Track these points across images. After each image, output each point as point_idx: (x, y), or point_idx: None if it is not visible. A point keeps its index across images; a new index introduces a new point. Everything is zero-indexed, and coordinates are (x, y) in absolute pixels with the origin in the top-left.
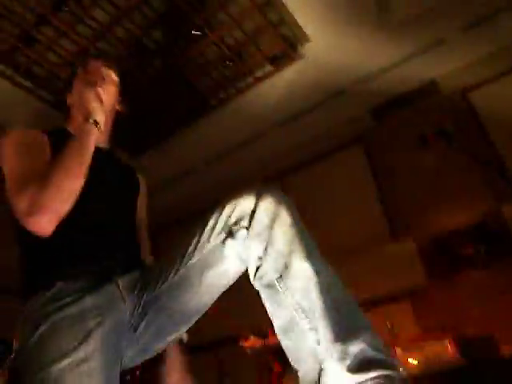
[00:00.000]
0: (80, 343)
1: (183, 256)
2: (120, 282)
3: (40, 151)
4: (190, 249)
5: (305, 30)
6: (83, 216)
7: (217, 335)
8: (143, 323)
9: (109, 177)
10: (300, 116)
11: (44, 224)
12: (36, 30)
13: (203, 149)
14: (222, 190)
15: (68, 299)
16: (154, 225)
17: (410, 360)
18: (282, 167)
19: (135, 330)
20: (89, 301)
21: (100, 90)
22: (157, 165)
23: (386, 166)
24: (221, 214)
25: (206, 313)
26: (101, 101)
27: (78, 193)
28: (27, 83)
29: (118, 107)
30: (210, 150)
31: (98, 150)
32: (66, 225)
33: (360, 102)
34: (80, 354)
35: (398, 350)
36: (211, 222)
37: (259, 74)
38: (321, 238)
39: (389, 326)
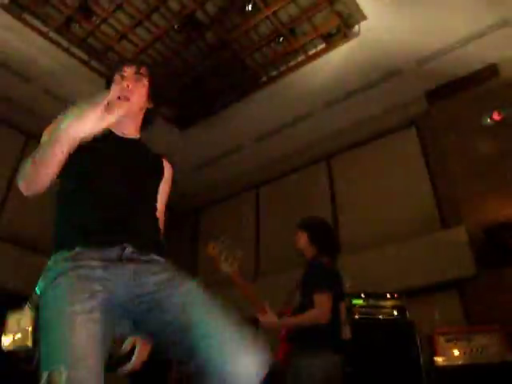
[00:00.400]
0: (88, 298)
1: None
2: (130, 264)
3: None
4: None
5: (362, 7)
6: (103, 196)
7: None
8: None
9: (130, 162)
10: (351, 96)
11: (23, 191)
12: (93, 1)
13: (252, 126)
14: (267, 169)
15: (82, 263)
16: (196, 202)
17: (455, 351)
18: (329, 148)
19: (129, 311)
20: (99, 272)
21: (125, 89)
22: (203, 140)
23: (439, 151)
24: None
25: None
26: (125, 99)
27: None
28: (83, 55)
29: (148, 105)
30: (259, 127)
31: (123, 139)
32: (89, 202)
33: (416, 83)
34: (87, 305)
35: (443, 340)
36: None
37: (312, 51)
38: (369, 224)
39: (435, 315)
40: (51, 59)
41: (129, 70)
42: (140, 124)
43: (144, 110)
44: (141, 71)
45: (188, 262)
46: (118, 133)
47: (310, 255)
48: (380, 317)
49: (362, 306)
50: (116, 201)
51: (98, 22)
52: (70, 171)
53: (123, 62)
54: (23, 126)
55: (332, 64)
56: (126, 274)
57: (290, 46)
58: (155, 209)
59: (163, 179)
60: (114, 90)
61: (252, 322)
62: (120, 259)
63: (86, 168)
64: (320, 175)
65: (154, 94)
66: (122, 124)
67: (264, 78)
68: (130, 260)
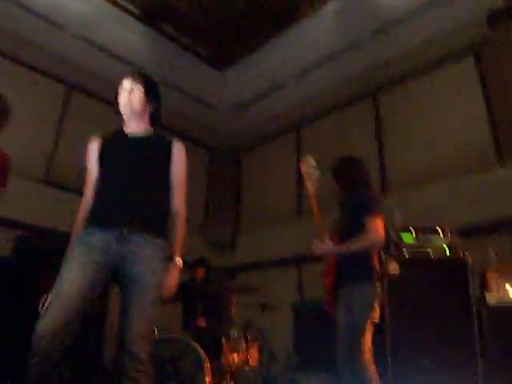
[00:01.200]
0: (85, 256)
1: None
2: (124, 243)
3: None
4: None
5: None
6: (109, 187)
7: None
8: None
9: (133, 157)
10: (401, 22)
11: None
12: None
13: (291, 62)
14: (308, 107)
15: (89, 236)
16: (237, 142)
17: (509, 290)
18: (376, 81)
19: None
20: (99, 245)
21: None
22: (242, 80)
23: (499, 81)
24: None
25: None
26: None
27: None
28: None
29: (150, 106)
30: (298, 62)
31: (130, 137)
32: (100, 191)
33: (476, 3)
34: (83, 259)
35: (496, 279)
36: None
37: None
38: (421, 160)
39: (490, 255)
40: (85, 4)
41: (126, 83)
42: (148, 122)
43: (148, 111)
44: (134, 82)
45: (231, 202)
46: (129, 132)
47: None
48: (431, 253)
49: (411, 242)
50: (118, 191)
51: None
52: (97, 166)
53: (123, 77)
54: (62, 75)
55: None
56: (118, 252)
57: None
58: (159, 194)
59: (172, 162)
60: None
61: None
62: (117, 240)
63: (102, 163)
64: (366, 111)
65: (152, 96)
66: (130, 124)
67: (303, 8)
68: (125, 240)
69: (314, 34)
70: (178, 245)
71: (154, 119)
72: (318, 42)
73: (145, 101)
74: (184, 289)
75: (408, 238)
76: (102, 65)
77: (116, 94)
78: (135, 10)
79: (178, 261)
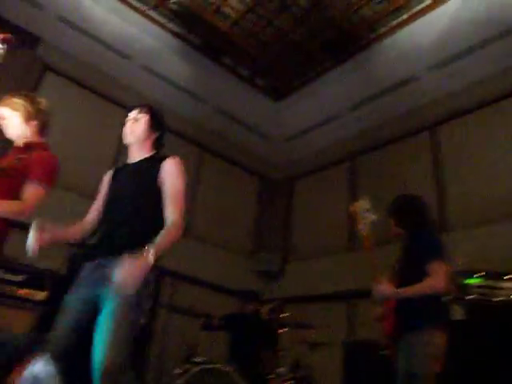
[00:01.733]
0: (75, 288)
1: None
2: (99, 270)
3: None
4: None
5: None
6: (103, 216)
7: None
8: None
9: (123, 184)
10: (461, 57)
11: None
12: None
13: (347, 93)
14: (363, 139)
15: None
16: (290, 172)
17: None
18: (435, 115)
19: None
20: (86, 266)
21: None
22: (298, 110)
23: None
24: None
25: None
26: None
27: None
28: (178, 29)
29: (154, 133)
30: (355, 94)
31: (129, 165)
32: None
33: None
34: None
35: None
36: None
37: (416, 8)
38: (481, 198)
39: None
40: (149, 36)
41: (131, 114)
42: (149, 148)
43: (152, 138)
44: (140, 112)
45: (281, 231)
46: (130, 161)
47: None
48: (498, 299)
49: (477, 286)
50: (104, 222)
51: None
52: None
53: (129, 108)
54: (124, 101)
55: (439, 21)
56: (94, 277)
57: (391, 4)
58: (142, 214)
59: (162, 177)
60: None
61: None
62: (96, 268)
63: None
64: (422, 146)
65: (157, 124)
66: (132, 153)
67: (362, 41)
68: (102, 267)
69: (371, 67)
70: (159, 244)
71: (157, 145)
72: (376, 74)
73: (149, 129)
74: (233, 319)
75: (472, 280)
76: (166, 95)
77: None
78: (197, 42)
79: (148, 253)
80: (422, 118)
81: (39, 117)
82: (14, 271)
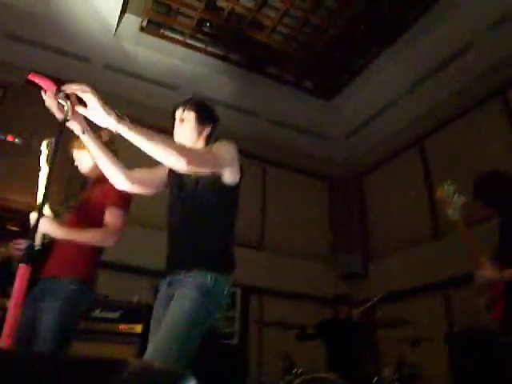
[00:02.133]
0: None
1: None
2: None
3: None
4: None
5: None
6: (168, 219)
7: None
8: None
9: (177, 187)
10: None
11: None
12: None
13: (400, 76)
14: (429, 118)
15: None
16: (356, 169)
17: None
18: (506, 76)
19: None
20: (161, 285)
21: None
22: (352, 105)
23: None
24: None
25: None
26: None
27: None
28: (219, 51)
29: (203, 129)
30: (410, 74)
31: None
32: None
33: None
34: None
35: None
36: None
37: None
38: None
39: None
40: (192, 63)
41: (177, 114)
42: (202, 145)
43: (204, 133)
44: (185, 109)
45: (358, 230)
46: None
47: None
48: None
49: None
50: (168, 230)
51: (225, 14)
52: None
53: (173, 110)
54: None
55: None
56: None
57: None
58: (203, 224)
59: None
60: None
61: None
62: (166, 286)
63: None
64: (495, 112)
65: (206, 118)
66: None
67: (407, 19)
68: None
69: (423, 43)
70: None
71: (211, 140)
72: (428, 52)
73: (198, 126)
74: (327, 326)
75: None
76: (220, 116)
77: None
78: (239, 59)
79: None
80: (490, 81)
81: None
82: (111, 308)
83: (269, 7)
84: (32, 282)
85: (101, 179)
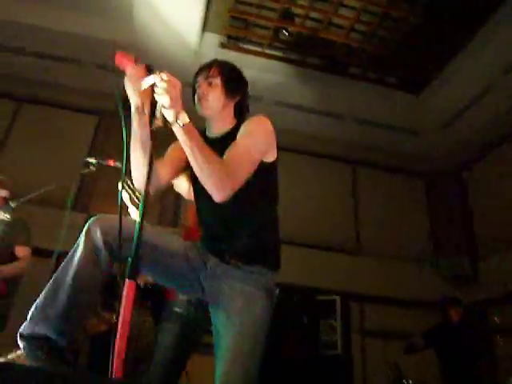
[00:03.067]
0: None
1: None
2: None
3: None
4: None
5: None
6: (199, 209)
7: None
8: None
9: None
10: None
11: None
12: (292, 3)
13: (496, 56)
14: None
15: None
16: (454, 164)
17: None
18: None
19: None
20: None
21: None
22: (443, 96)
23: None
24: None
25: None
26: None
27: None
28: (298, 57)
29: (230, 99)
30: (507, 54)
31: (211, 139)
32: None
33: None
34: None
35: None
36: None
37: None
38: None
39: None
40: (272, 72)
41: (200, 79)
42: (230, 118)
43: (230, 104)
44: (210, 74)
45: (462, 229)
46: (210, 134)
47: None
48: None
49: None
50: (210, 214)
51: (301, 20)
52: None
53: (196, 73)
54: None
55: None
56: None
57: None
58: (251, 206)
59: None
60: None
61: None
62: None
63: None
64: None
65: (232, 87)
66: (210, 126)
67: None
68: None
69: None
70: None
71: (240, 113)
72: None
73: (225, 96)
74: (437, 334)
75: None
76: (306, 122)
77: None
78: (319, 63)
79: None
80: None
81: None
82: None
83: (344, 7)
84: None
85: None
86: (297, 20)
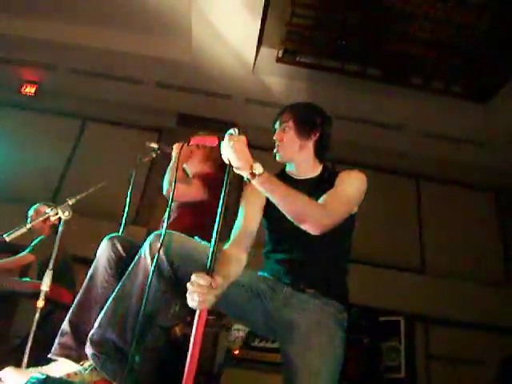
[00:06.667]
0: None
1: None
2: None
3: None
4: None
5: None
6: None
7: None
8: None
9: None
10: None
11: None
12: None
13: None
14: None
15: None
16: None
17: None
18: None
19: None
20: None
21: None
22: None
23: None
24: None
25: None
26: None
27: None
28: (357, 67)
29: (306, 139)
30: None
31: (294, 180)
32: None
33: None
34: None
35: None
36: None
37: None
38: None
39: None
40: (330, 85)
41: (277, 126)
42: (311, 160)
43: (308, 145)
44: (283, 120)
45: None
46: (295, 176)
47: None
48: None
49: None
50: (292, 245)
51: (360, 30)
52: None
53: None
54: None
55: None
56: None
57: None
58: (336, 244)
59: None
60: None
61: None
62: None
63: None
64: None
65: (305, 127)
66: (294, 169)
67: None
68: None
69: None
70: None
71: (321, 152)
72: None
73: (298, 137)
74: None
75: None
76: (365, 135)
77: None
78: (378, 74)
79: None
80: None
81: None
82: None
83: (405, 15)
84: None
85: None
86: (355, 30)
